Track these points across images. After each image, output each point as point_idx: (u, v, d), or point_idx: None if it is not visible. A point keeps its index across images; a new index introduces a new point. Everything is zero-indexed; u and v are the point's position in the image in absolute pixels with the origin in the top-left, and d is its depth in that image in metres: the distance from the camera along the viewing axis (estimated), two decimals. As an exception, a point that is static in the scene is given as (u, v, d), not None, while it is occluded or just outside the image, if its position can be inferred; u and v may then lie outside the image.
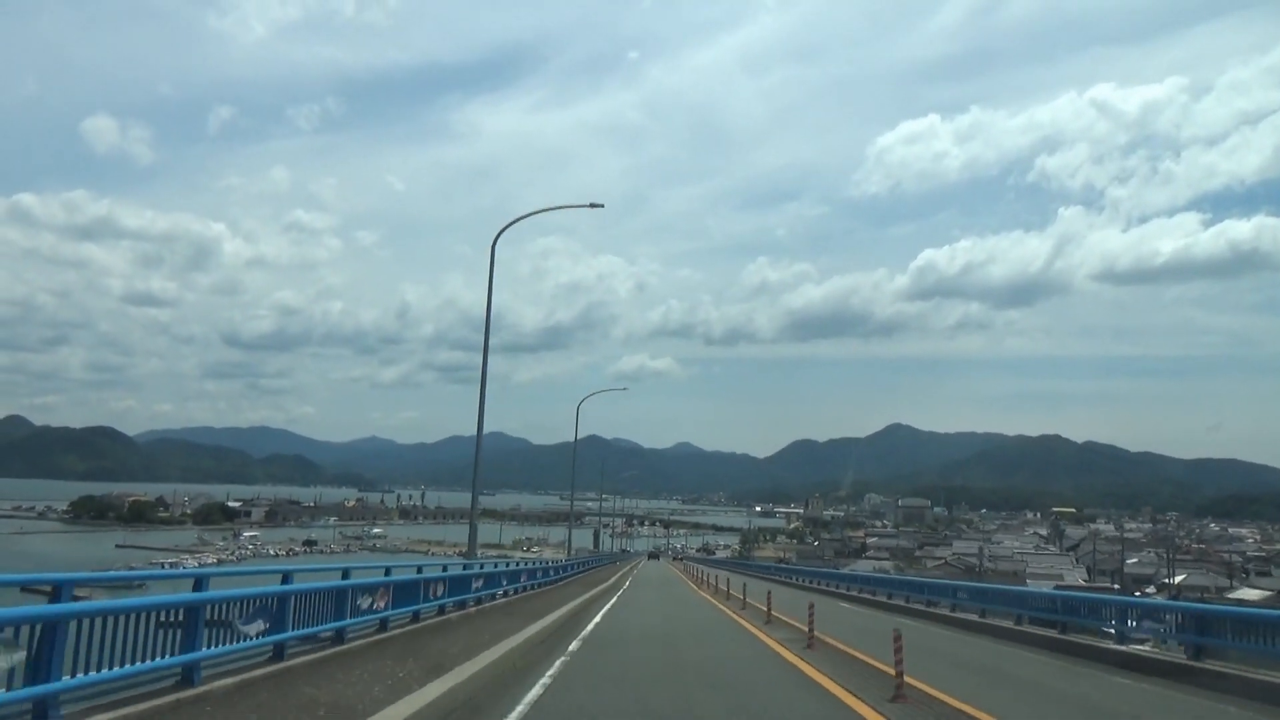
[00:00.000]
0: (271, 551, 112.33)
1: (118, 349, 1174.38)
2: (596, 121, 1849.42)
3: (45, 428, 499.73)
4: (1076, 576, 61.57)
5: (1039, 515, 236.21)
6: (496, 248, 22.50)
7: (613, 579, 40.55)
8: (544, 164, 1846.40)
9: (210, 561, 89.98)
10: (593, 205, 23.30)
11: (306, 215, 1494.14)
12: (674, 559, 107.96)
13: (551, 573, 32.76)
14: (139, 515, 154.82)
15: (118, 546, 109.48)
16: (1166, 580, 57.81)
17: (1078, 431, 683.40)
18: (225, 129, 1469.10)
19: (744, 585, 27.68)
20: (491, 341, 24.54)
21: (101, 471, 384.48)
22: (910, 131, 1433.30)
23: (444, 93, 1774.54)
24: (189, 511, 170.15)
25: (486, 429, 22.41)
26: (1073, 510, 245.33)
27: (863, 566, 73.70)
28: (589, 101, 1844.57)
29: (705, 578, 42.37)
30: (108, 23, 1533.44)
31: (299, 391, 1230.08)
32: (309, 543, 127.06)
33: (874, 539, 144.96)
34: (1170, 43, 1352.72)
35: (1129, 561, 69.71)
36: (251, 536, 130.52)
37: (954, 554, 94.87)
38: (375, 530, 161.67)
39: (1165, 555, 68.01)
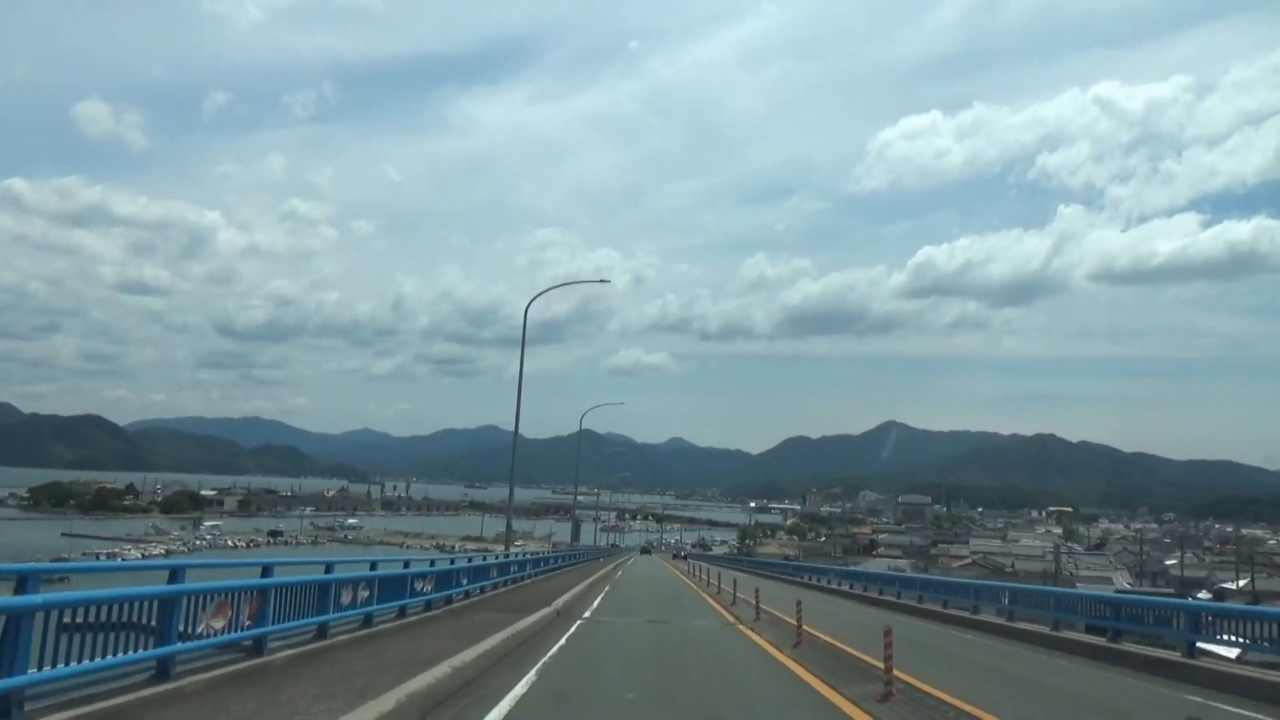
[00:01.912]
0: (230, 543, 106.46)
1: (110, 337, 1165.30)
2: (594, 115, 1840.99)
3: (33, 415, 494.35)
4: (1120, 580, 55.84)
5: (1043, 514, 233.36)
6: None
7: (576, 590, 25.11)
8: (541, 157, 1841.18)
9: (157, 553, 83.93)
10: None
11: (302, 204, 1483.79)
12: (674, 556, 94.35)
13: (424, 588, 16.05)
14: (101, 503, 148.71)
15: (63, 535, 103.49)
16: (1221, 584, 51.85)
17: (1073, 431, 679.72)
18: (220, 115, 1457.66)
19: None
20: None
21: (89, 460, 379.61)
22: (911, 127, 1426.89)
23: (440, 83, 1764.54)
24: (158, 499, 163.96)
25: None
26: (1071, 509, 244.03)
27: (875, 565, 68.82)
28: (586, 95, 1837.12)
29: (743, 593, 25.38)
30: (101, 4, 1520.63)
31: (293, 382, 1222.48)
32: (274, 533, 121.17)
33: (883, 536, 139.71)
34: (1175, 41, 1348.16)
35: (1168, 563, 64.08)
36: (212, 526, 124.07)
37: (978, 553, 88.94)
38: (350, 521, 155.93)
39: (1201, 557, 62.42)
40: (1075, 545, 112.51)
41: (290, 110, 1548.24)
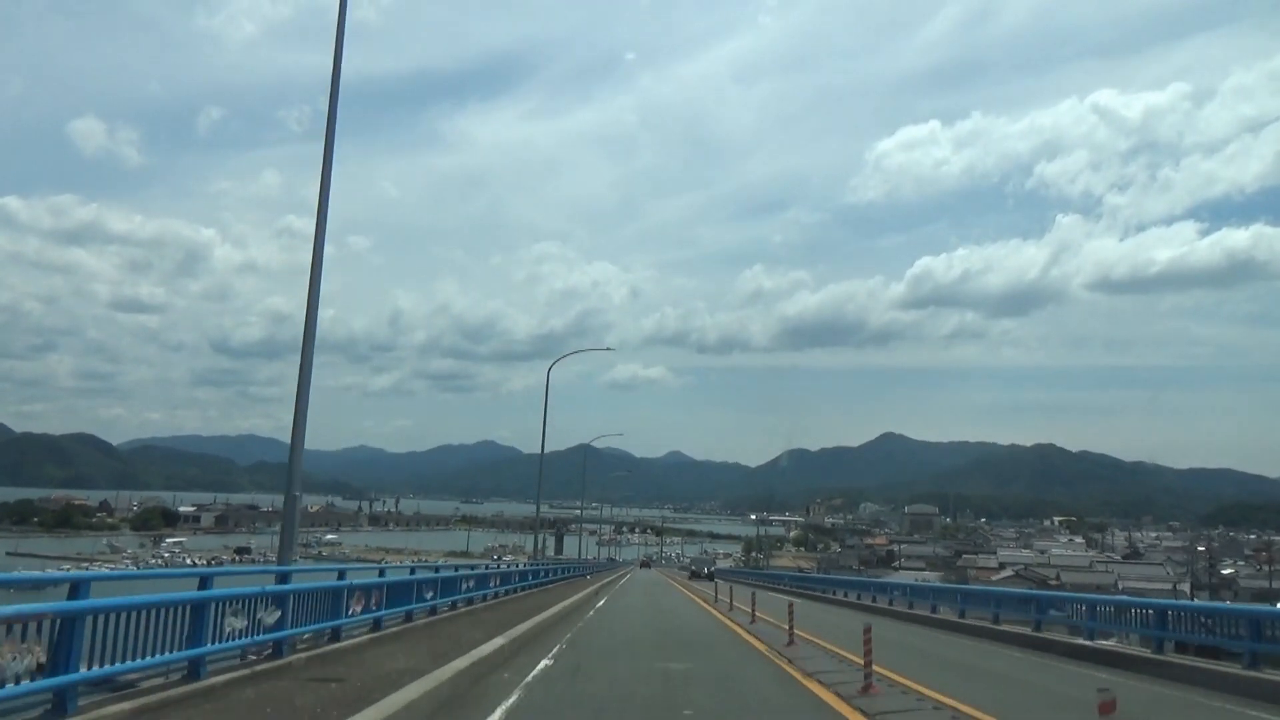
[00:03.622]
0: (189, 561, 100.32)
1: (106, 356, 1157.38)
2: (589, 130, 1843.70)
3: (25, 435, 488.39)
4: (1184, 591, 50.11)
5: (1053, 522, 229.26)
6: None
7: (409, 691, 8.62)
8: (536, 173, 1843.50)
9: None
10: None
11: (298, 221, 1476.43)
12: (692, 575, 71.17)
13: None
14: (65, 520, 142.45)
15: (9, 554, 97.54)
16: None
17: (1072, 441, 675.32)
18: (215, 132, 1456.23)
19: None
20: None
21: (80, 479, 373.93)
22: (909, 137, 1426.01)
23: (436, 100, 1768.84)
24: (129, 517, 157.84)
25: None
26: (1074, 519, 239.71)
27: (900, 578, 63.20)
28: (581, 110, 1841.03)
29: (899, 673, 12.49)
30: (95, 21, 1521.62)
31: (289, 399, 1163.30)
32: (241, 550, 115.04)
33: (904, 547, 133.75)
34: (1174, 49, 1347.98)
35: (1224, 572, 58.23)
36: (174, 543, 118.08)
37: (1016, 564, 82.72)
38: (329, 537, 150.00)
39: (1258, 566, 56.46)
40: (1113, 554, 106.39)
41: (285, 126, 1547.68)
